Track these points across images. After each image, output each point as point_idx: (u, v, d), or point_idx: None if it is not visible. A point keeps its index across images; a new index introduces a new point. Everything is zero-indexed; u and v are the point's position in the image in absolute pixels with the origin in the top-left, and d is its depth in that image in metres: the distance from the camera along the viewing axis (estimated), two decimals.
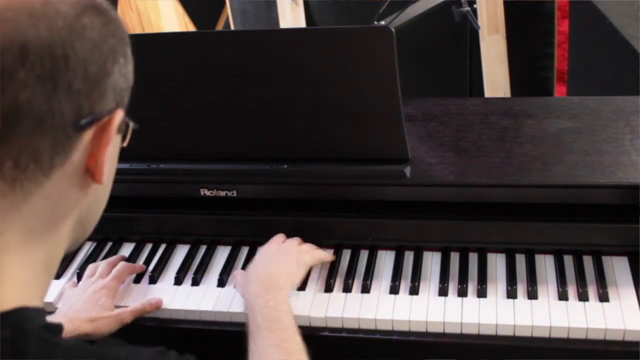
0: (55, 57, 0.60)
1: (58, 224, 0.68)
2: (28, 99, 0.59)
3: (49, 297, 1.27)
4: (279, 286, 1.12)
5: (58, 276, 1.33)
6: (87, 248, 1.39)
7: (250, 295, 1.11)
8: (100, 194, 0.75)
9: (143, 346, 0.73)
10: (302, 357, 1.00)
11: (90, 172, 0.67)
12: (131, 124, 0.73)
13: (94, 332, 1.15)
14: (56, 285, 1.29)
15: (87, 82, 0.63)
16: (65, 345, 0.63)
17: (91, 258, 1.36)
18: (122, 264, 1.29)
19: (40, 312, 0.64)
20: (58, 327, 0.65)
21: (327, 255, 1.26)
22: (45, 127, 0.60)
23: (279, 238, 1.26)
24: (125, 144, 0.74)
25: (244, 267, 1.28)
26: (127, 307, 1.21)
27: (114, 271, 1.26)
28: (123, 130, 0.71)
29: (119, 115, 0.68)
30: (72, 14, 0.62)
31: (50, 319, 1.03)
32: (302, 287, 1.23)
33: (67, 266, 1.35)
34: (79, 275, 1.31)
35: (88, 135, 0.65)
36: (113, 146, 0.69)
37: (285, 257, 1.20)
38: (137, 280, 1.30)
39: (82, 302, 1.19)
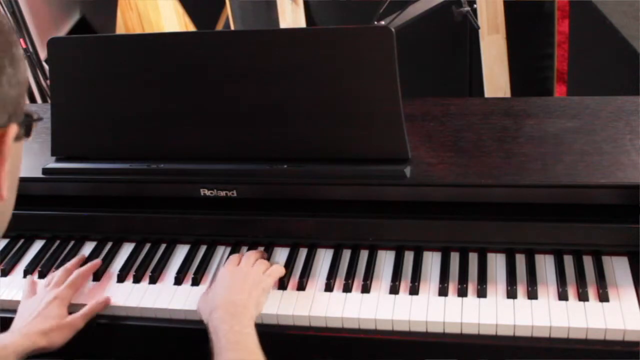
0: None
1: None
2: None
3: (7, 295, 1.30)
4: (244, 313, 1.12)
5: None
6: (88, 248, 1.39)
7: (214, 320, 1.10)
8: (4, 208, 0.71)
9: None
10: None
11: None
12: (35, 117, 0.69)
13: (49, 345, 1.15)
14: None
15: None
16: None
17: (92, 258, 1.36)
18: (77, 271, 1.28)
19: None
20: None
21: (282, 268, 1.25)
22: None
23: (234, 260, 1.26)
24: (30, 139, 0.70)
25: None
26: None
27: (68, 280, 1.26)
28: (23, 133, 0.68)
29: (13, 130, 0.64)
30: None
31: (6, 335, 1.02)
32: (302, 287, 1.23)
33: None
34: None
35: None
36: (12, 157, 0.65)
37: (248, 282, 1.19)
38: (137, 280, 1.30)
39: (35, 315, 1.19)
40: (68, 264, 1.32)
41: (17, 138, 0.66)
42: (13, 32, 0.65)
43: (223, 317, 1.10)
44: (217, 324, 1.09)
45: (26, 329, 1.16)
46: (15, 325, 1.20)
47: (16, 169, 0.70)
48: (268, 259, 1.30)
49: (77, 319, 1.20)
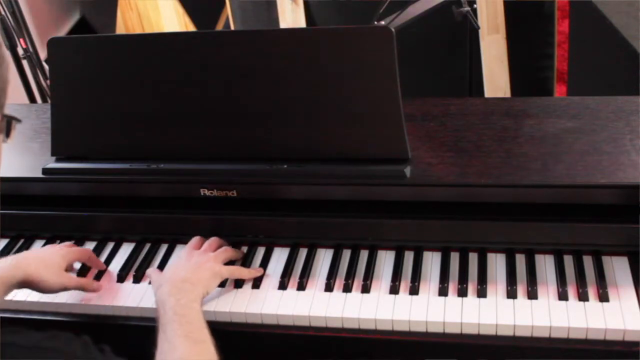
0: None
1: None
2: None
3: None
4: (191, 289, 1.14)
5: None
6: (88, 248, 1.39)
7: (162, 294, 1.13)
8: None
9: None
10: (210, 347, 1.03)
11: None
12: (13, 119, 0.69)
13: (40, 281, 1.18)
14: None
15: None
16: None
17: None
18: (89, 249, 1.34)
19: None
20: None
21: (244, 271, 1.26)
22: None
23: (195, 242, 1.29)
24: (9, 140, 0.71)
25: (243, 266, 1.28)
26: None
27: (78, 248, 1.33)
28: (4, 131, 0.68)
29: None
30: None
31: None
32: (302, 287, 1.23)
33: None
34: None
35: None
36: None
37: (200, 265, 1.21)
38: (137, 280, 1.30)
39: (37, 251, 1.25)
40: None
41: None
42: None
43: (170, 290, 1.13)
44: (164, 297, 1.12)
45: (16, 260, 1.19)
46: (12, 256, 1.23)
47: None
48: (268, 259, 1.30)
49: (71, 279, 1.25)
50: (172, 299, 1.11)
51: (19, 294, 1.27)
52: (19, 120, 0.71)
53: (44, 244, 1.41)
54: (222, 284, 1.25)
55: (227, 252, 1.27)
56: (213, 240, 1.29)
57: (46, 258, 1.22)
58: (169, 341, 1.04)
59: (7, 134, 0.70)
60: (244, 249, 1.34)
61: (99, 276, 1.32)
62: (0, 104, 0.67)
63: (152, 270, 1.28)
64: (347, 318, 1.17)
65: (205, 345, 1.04)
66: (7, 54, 0.68)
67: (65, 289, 1.23)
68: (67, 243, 1.35)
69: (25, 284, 1.18)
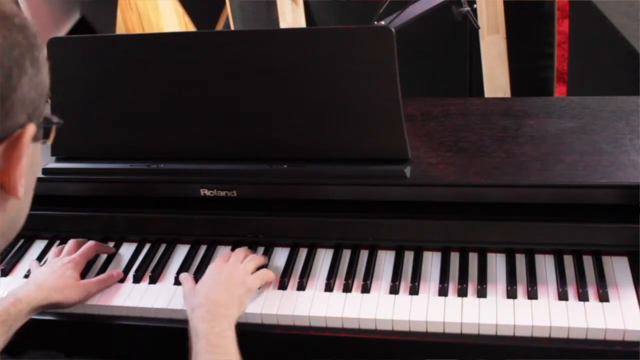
0: None
1: None
2: None
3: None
4: (226, 314, 1.11)
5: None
6: (89, 241, 1.39)
7: (195, 319, 1.10)
8: (20, 206, 0.71)
9: None
10: None
11: (5, 188, 0.65)
12: (55, 121, 0.70)
13: (64, 301, 1.19)
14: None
15: None
16: None
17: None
18: (91, 242, 1.33)
19: None
20: None
21: (271, 274, 1.25)
22: None
23: (224, 256, 1.26)
24: (50, 142, 0.72)
25: None
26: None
27: (82, 248, 1.31)
28: (42, 135, 0.69)
29: (31, 130, 0.65)
30: None
31: (20, 288, 1.05)
32: (302, 287, 1.23)
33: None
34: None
35: None
36: (29, 157, 0.66)
37: (233, 281, 1.18)
38: (137, 280, 1.30)
39: (50, 272, 1.23)
40: (77, 239, 1.35)
41: (35, 139, 0.67)
42: (38, 36, 0.66)
43: (204, 316, 1.10)
44: (197, 323, 1.09)
45: (41, 282, 1.19)
46: (30, 279, 1.24)
47: (33, 169, 0.71)
48: (268, 260, 1.30)
49: (92, 283, 1.24)
50: (205, 326, 1.08)
51: None
52: (60, 123, 0.72)
53: (44, 245, 1.41)
54: None
55: (254, 260, 1.25)
56: (239, 251, 1.27)
57: (59, 278, 1.21)
58: None
59: (47, 136, 0.71)
60: (244, 249, 1.34)
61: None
62: (39, 110, 0.68)
63: (186, 279, 1.24)
64: (347, 318, 1.17)
65: None
66: (46, 61, 0.69)
67: (89, 296, 1.23)
68: (70, 243, 1.34)
69: (51, 306, 1.18)
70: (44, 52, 0.68)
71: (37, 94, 0.66)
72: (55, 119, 0.70)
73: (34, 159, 0.70)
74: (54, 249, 1.35)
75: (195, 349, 1.05)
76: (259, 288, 1.22)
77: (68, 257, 1.28)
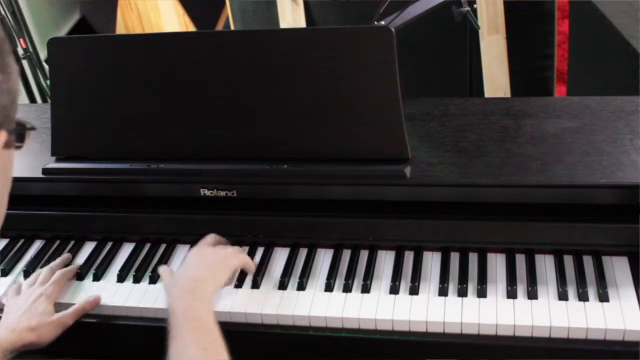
0: None
1: None
2: None
3: None
4: (203, 289, 1.13)
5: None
6: (88, 248, 1.39)
7: (173, 299, 1.12)
8: None
9: None
10: (222, 352, 1.02)
11: None
12: (28, 127, 0.70)
13: (38, 341, 1.16)
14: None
15: None
16: None
17: (92, 258, 1.36)
18: (60, 271, 1.29)
19: None
20: None
21: (251, 262, 1.26)
22: None
23: (209, 239, 1.27)
24: (23, 146, 0.71)
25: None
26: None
27: (53, 278, 1.27)
28: (14, 141, 0.68)
29: (2, 137, 0.64)
30: None
31: None
32: (302, 287, 1.23)
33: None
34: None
35: None
36: (1, 163, 0.66)
37: (212, 259, 1.20)
38: (137, 280, 1.30)
39: (22, 312, 1.19)
40: (52, 264, 1.32)
41: (7, 146, 0.66)
42: (6, 42, 0.65)
43: (182, 294, 1.11)
44: (175, 302, 1.10)
45: (13, 325, 1.16)
46: (2, 322, 1.20)
47: (7, 175, 0.70)
48: (268, 259, 1.30)
49: (66, 316, 1.21)
50: (183, 302, 1.09)
51: None
52: (33, 128, 0.71)
53: (44, 245, 1.41)
54: None
55: (236, 248, 1.26)
56: (226, 241, 1.29)
57: (32, 318, 1.18)
58: (179, 351, 1.02)
59: (20, 141, 0.70)
60: (244, 249, 1.34)
61: (97, 276, 1.31)
62: (10, 116, 0.67)
63: (164, 269, 1.26)
64: (347, 318, 1.17)
65: (216, 352, 1.02)
66: (15, 65, 0.68)
67: (65, 328, 1.20)
68: (44, 271, 1.29)
69: (25, 347, 1.15)
70: (13, 59, 0.67)
71: (8, 100, 0.65)
72: (28, 124, 0.69)
73: (6, 165, 0.69)
74: (32, 276, 1.30)
75: (173, 326, 1.06)
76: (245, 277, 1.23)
77: (40, 288, 1.24)
